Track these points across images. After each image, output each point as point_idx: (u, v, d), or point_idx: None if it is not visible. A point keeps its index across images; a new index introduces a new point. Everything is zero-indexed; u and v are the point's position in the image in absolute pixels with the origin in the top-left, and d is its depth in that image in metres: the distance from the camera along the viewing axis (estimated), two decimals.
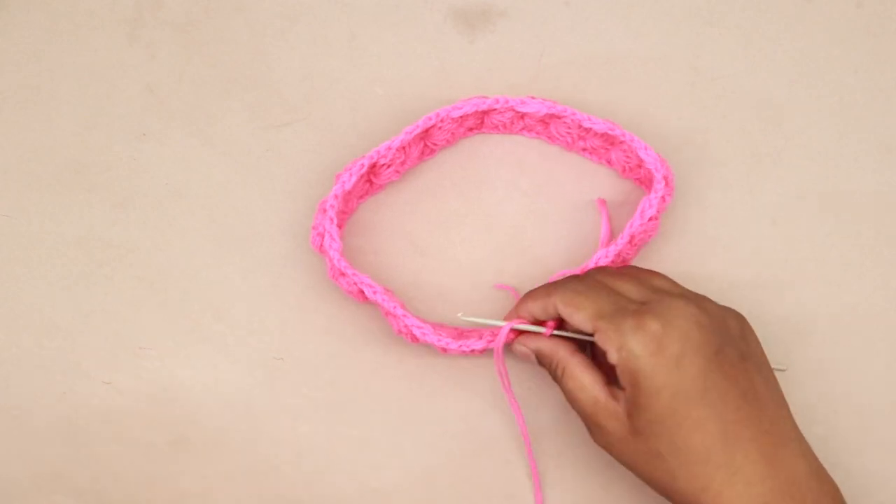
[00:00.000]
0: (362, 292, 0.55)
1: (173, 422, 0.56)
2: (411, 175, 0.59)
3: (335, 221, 0.54)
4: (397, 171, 0.58)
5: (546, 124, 0.59)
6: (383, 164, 0.56)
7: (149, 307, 0.58)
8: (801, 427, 0.48)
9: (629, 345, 0.47)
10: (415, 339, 0.55)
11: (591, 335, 0.50)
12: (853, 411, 0.55)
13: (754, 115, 0.60)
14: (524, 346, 0.54)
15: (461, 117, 0.57)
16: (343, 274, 0.55)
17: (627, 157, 0.58)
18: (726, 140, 0.60)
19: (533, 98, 0.57)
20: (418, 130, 0.56)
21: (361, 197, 0.59)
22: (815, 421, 0.54)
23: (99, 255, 0.58)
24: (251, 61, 0.61)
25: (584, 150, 0.59)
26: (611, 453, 0.50)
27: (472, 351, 0.55)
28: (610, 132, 0.56)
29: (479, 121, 0.59)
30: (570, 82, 0.60)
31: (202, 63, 0.61)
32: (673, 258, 0.58)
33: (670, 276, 0.53)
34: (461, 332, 0.56)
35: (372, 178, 0.58)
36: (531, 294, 0.53)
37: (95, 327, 0.57)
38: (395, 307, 0.54)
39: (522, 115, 0.58)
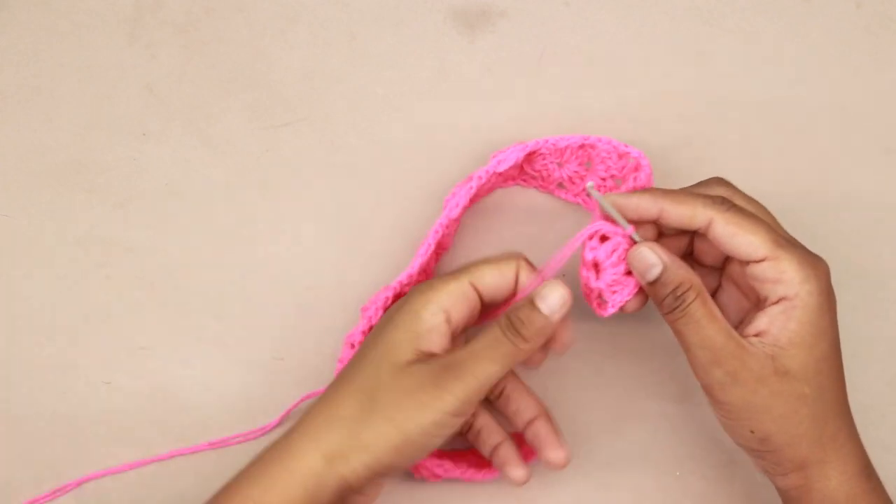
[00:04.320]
0: None
1: (173, 422, 0.56)
2: None
3: None
4: None
5: (521, 168, 0.57)
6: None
7: (149, 307, 0.58)
8: None
9: (812, 280, 0.46)
10: (436, 477, 0.53)
11: (746, 261, 0.47)
12: (853, 411, 0.55)
13: (754, 116, 0.60)
14: (658, 255, 0.47)
15: (455, 221, 0.55)
16: None
17: (608, 157, 0.56)
18: (726, 140, 0.60)
19: (501, 151, 0.55)
20: (431, 249, 0.54)
21: None
22: None
23: (99, 255, 0.58)
24: (251, 61, 0.61)
25: (561, 185, 0.58)
26: (726, 398, 0.46)
27: (494, 477, 0.53)
28: (585, 142, 0.55)
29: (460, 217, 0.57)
30: (570, 82, 0.60)
31: (202, 63, 0.61)
32: None
33: None
34: (479, 462, 0.54)
35: None
36: (671, 194, 0.47)
37: (95, 327, 0.57)
38: None
39: (501, 174, 0.56)
